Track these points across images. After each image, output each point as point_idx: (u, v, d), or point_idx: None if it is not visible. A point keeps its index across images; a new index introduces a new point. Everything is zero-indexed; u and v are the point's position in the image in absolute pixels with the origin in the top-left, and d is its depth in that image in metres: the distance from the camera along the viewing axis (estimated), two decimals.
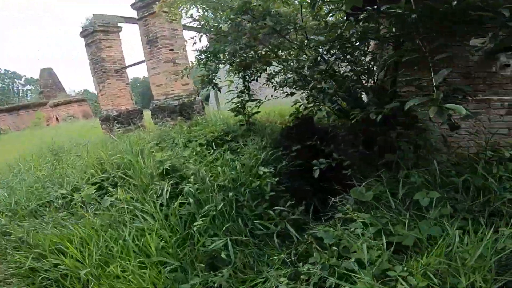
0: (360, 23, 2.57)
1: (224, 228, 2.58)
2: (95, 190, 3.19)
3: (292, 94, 4.06)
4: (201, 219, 2.64)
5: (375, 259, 2.03)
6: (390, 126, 3.21)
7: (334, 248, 2.28)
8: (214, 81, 4.53)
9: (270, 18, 2.97)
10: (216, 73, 4.61)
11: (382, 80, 3.26)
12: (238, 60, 4.62)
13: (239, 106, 4.98)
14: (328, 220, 2.80)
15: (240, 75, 4.86)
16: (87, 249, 2.69)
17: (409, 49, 2.06)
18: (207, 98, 15.97)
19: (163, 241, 2.51)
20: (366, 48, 3.07)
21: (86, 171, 3.99)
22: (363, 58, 3.03)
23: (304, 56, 3.08)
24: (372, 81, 3.25)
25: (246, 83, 4.81)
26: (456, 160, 3.00)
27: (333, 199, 3.01)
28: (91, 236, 2.81)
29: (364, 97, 3.81)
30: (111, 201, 3.02)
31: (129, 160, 3.62)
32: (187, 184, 3.06)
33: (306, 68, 3.43)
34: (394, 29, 2.12)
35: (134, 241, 2.63)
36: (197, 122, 5.94)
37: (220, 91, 4.44)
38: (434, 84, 1.83)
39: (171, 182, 3.13)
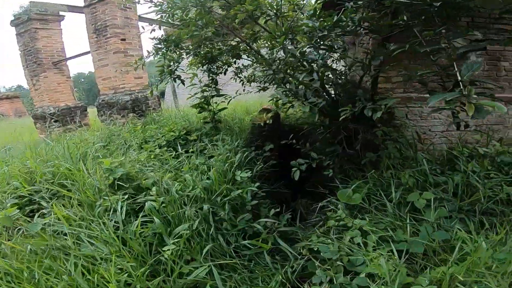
0: (348, 14, 2.23)
1: (204, 251, 1.99)
2: (18, 210, 2.28)
3: (264, 89, 3.59)
4: (172, 242, 2.01)
5: (392, 272, 1.68)
6: (372, 123, 2.96)
7: (339, 263, 1.88)
8: (176, 72, 3.81)
9: (250, 1, 2.45)
10: (179, 63, 3.90)
11: (361, 76, 3.00)
12: (203, 52, 3.99)
13: (204, 101, 4.34)
14: (318, 228, 2.40)
15: (205, 68, 4.23)
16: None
17: (415, 42, 1.75)
18: (163, 94, 14.64)
19: (125, 274, 1.81)
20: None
21: (9, 182, 2.96)
22: (356, 50, 2.71)
23: (291, 46, 2.63)
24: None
25: (213, 75, 4.19)
26: (434, 157, 2.87)
27: (319, 204, 2.64)
28: (22, 270, 1.96)
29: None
30: (44, 223, 2.17)
31: (68, 169, 2.75)
32: (148, 198, 2.37)
33: (283, 61, 2.99)
34: (405, 17, 1.79)
35: (84, 276, 1.88)
36: (153, 120, 5.09)
37: (184, 84, 3.75)
38: (460, 78, 1.54)
39: (125, 196, 2.40)
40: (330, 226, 2.29)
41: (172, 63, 3.63)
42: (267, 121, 2.81)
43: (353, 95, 3.06)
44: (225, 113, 5.41)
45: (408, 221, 2.10)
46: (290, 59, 3.78)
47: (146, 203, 2.34)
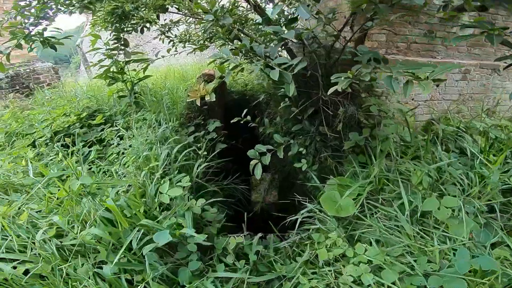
0: None
1: None
2: None
3: (202, 48, 2.31)
4: None
5: None
6: (352, 93, 2.06)
7: None
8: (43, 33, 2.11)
9: None
10: (47, 20, 2.18)
11: (340, 29, 1.99)
12: (109, 8, 2.39)
13: (114, 70, 2.81)
14: (304, 260, 1.49)
15: (114, 27, 2.63)
16: None
17: None
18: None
19: None
20: None
21: None
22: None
23: None
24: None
25: (118, 34, 2.62)
26: (418, 132, 2.18)
27: (298, 217, 1.72)
28: None
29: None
30: None
31: None
32: None
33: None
34: None
35: None
36: (44, 100, 3.28)
37: (55, 50, 2.11)
38: None
39: None
40: (321, 259, 1.40)
41: (32, 21, 1.94)
42: (206, 97, 1.62)
43: (329, 54, 2.06)
44: (153, 81, 3.89)
45: (435, 241, 1.34)
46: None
47: None
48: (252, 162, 1.95)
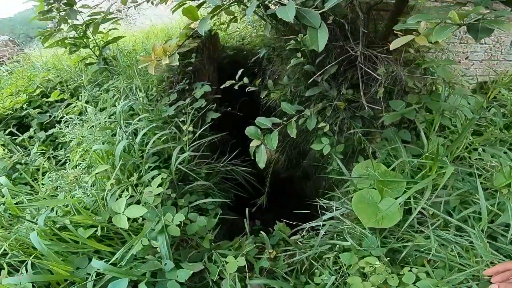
0: None
1: None
2: None
3: None
4: None
5: None
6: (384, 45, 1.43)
7: None
8: None
9: None
10: None
11: None
12: None
13: (74, 35, 2.16)
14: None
15: None
16: None
17: None
18: None
19: None
20: None
21: None
22: None
23: None
24: None
25: None
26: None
27: (320, 225, 1.28)
28: None
29: None
30: None
31: None
32: None
33: None
34: None
35: None
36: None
37: None
38: None
39: None
40: None
41: None
42: (164, 60, 0.98)
43: None
44: (132, 43, 3.16)
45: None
46: None
47: None
48: (253, 144, 1.45)
